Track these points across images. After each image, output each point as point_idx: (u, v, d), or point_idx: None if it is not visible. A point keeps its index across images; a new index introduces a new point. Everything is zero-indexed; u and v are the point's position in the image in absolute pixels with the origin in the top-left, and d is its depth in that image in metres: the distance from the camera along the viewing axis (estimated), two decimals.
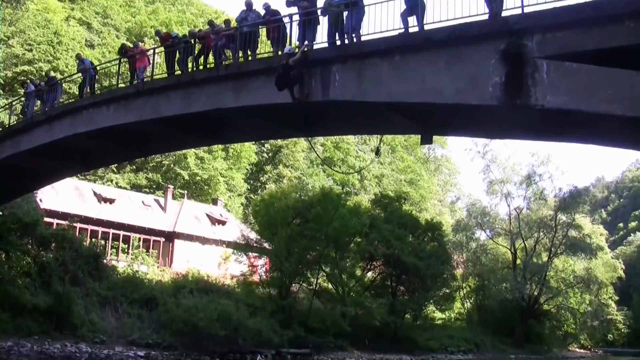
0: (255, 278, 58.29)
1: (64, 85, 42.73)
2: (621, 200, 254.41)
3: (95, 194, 63.20)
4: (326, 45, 22.41)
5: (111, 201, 63.28)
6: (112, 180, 72.35)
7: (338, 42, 22.20)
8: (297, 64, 21.41)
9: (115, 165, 69.48)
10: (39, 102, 35.84)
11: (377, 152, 41.19)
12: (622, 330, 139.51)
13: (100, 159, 38.21)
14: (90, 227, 59.10)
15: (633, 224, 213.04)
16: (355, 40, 21.54)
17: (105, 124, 29.44)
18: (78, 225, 55.43)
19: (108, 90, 32.98)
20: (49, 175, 39.54)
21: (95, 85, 34.21)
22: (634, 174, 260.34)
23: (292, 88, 21.54)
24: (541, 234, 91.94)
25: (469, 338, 75.10)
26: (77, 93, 38.13)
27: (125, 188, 71.15)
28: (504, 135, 24.74)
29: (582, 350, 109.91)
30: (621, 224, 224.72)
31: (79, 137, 30.98)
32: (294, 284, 58.65)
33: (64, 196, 59.38)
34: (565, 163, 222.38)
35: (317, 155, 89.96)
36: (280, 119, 25.53)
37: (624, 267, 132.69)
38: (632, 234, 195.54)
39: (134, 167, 76.54)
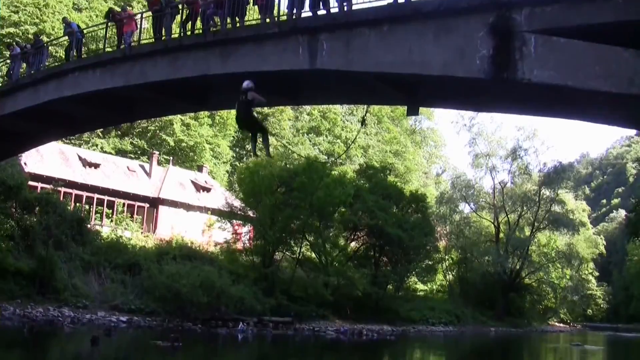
0: (239, 246, 58.41)
1: (50, 48, 42.30)
2: (605, 177, 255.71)
3: (80, 158, 62.86)
4: (321, 12, 22.30)
5: (96, 166, 62.99)
6: (97, 145, 71.90)
7: (322, 11, 22.12)
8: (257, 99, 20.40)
9: (101, 130, 69.05)
10: (24, 64, 35.54)
11: (363, 122, 41.04)
12: (602, 306, 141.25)
13: (85, 123, 37.97)
14: (74, 192, 58.83)
15: (616, 201, 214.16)
16: (345, 8, 21.42)
17: (91, 88, 29.22)
18: (62, 189, 55.32)
19: (95, 54, 32.76)
20: (33, 138, 39.30)
21: (82, 49, 33.93)
22: (618, 151, 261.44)
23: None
24: (524, 208, 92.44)
25: (450, 310, 75.63)
26: (63, 56, 37.84)
27: (110, 153, 70.72)
28: (490, 109, 24.78)
29: (561, 325, 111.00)
30: (604, 201, 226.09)
31: (64, 101, 30.76)
32: (277, 253, 58.72)
33: (49, 160, 59.10)
34: (550, 138, 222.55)
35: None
36: (267, 87, 25.41)
37: (605, 244, 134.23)
38: (614, 211, 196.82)
39: (120, 132, 76.09)
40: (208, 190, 69.68)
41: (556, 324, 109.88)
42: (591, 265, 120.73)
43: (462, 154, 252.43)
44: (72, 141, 67.88)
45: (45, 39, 50.80)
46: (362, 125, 43.58)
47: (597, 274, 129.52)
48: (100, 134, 72.65)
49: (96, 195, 60.76)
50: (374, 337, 51.69)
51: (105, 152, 70.41)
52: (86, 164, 62.42)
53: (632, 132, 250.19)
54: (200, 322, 44.99)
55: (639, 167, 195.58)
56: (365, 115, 39.74)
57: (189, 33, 26.77)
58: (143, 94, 28.87)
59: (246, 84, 20.31)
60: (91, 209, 60.15)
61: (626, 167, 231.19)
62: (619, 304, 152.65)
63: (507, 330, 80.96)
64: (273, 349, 33.02)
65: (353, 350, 40.17)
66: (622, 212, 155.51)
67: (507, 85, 18.05)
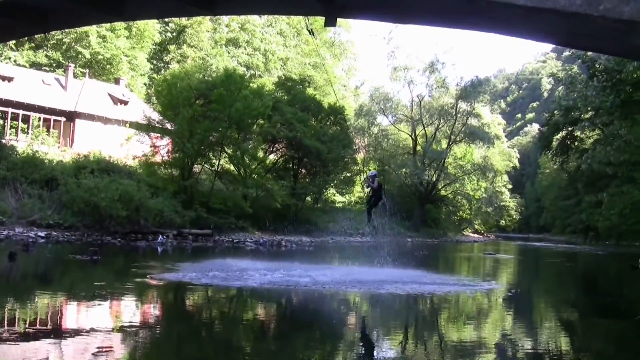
0: (157, 159, 57.92)
1: None
2: (520, 91, 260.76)
3: None
4: None
5: (10, 79, 61.42)
6: (10, 58, 69.96)
7: None
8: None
9: (13, 42, 67.15)
10: None
11: (312, 32, 39.91)
12: (514, 217, 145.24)
13: None
14: None
15: (530, 115, 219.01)
16: None
17: None
18: None
19: None
20: None
21: None
22: (533, 67, 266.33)
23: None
24: (442, 121, 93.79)
25: None
26: None
27: (24, 66, 68.95)
28: (409, 21, 24.70)
29: (475, 235, 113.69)
30: (519, 115, 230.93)
31: None
32: (196, 165, 58.58)
33: None
34: (468, 53, 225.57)
35: None
36: None
37: (519, 157, 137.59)
38: (528, 125, 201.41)
39: (34, 44, 74.09)
40: (125, 103, 68.68)
41: (470, 234, 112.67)
42: (505, 177, 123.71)
43: (380, 67, 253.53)
44: None
45: None
46: (312, 35, 41.54)
47: (510, 186, 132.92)
48: (12, 46, 70.61)
49: (10, 110, 59.40)
50: (293, 248, 52.24)
51: (18, 65, 68.57)
52: None
53: (548, 48, 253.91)
54: (120, 236, 44.88)
55: (553, 82, 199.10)
56: (308, 24, 38.47)
57: None
58: (55, 2, 28.01)
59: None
60: (5, 124, 58.90)
61: (541, 82, 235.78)
62: (530, 215, 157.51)
63: (423, 240, 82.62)
64: (193, 259, 33.22)
65: (271, 259, 40.50)
66: (536, 126, 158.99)
67: None
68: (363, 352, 13.70)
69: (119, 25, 73.72)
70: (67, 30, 66.10)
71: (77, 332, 13.78)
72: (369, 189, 29.68)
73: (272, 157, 69.21)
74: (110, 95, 68.81)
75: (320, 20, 27.29)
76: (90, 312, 17.14)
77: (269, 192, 61.50)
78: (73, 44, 74.53)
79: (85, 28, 68.40)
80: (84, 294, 20.02)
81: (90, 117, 64.34)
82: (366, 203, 30.09)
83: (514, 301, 23.99)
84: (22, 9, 29.49)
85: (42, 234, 41.89)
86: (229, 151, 59.70)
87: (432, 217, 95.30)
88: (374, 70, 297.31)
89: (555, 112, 71.36)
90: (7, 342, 12.17)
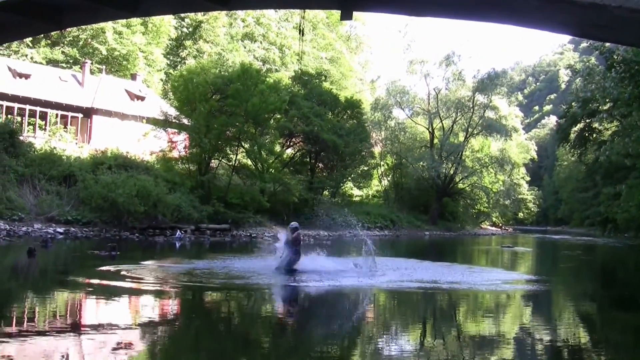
0: (175, 154, 57.99)
1: None
2: (537, 84, 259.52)
3: (9, 69, 61.41)
4: None
5: (27, 76, 61.63)
6: (27, 55, 70.19)
7: None
8: None
9: (30, 39, 67.37)
10: None
11: (301, 32, 40.04)
12: (532, 209, 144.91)
13: (13, 32, 36.93)
14: (5, 103, 57.82)
15: (547, 108, 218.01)
16: None
17: None
18: None
19: None
20: None
21: None
22: (550, 59, 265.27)
23: None
24: (459, 114, 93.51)
25: (385, 215, 76.71)
26: None
27: (41, 63, 69.17)
28: (424, 13, 24.61)
29: (493, 228, 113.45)
30: (536, 107, 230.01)
31: None
32: (213, 160, 58.62)
33: None
34: (484, 46, 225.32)
35: None
36: None
37: (536, 149, 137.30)
38: (546, 117, 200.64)
39: (50, 41, 74.29)
40: (142, 98, 68.81)
41: (488, 227, 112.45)
42: (523, 170, 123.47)
43: (396, 60, 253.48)
44: (0, 52, 66.18)
45: None
46: (301, 34, 41.39)
47: (528, 178, 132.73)
48: (29, 43, 70.89)
49: (28, 107, 59.67)
50: (310, 242, 52.16)
51: (35, 62, 68.80)
52: (16, 74, 61.05)
53: (565, 39, 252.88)
54: (138, 231, 45.05)
55: (570, 74, 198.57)
56: (302, 23, 38.74)
57: None
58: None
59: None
60: (23, 121, 59.17)
61: (558, 74, 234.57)
62: (548, 207, 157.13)
63: (441, 233, 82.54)
64: (209, 253, 33.34)
65: None
66: (554, 118, 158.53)
67: None
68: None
69: (135, 21, 73.84)
70: (83, 27, 66.31)
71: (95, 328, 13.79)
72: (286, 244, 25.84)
73: (289, 151, 69.19)
74: (127, 91, 68.95)
75: (337, 14, 27.22)
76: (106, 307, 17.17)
77: (287, 187, 61.58)
78: (89, 40, 74.69)
79: (101, 24, 68.53)
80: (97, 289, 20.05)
81: (107, 113, 64.53)
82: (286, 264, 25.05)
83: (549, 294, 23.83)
84: (37, 7, 29.59)
85: (60, 230, 42.08)
86: (246, 146, 59.66)
87: (450, 210, 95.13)
88: (390, 64, 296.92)
89: (572, 104, 71.12)
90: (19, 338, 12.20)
